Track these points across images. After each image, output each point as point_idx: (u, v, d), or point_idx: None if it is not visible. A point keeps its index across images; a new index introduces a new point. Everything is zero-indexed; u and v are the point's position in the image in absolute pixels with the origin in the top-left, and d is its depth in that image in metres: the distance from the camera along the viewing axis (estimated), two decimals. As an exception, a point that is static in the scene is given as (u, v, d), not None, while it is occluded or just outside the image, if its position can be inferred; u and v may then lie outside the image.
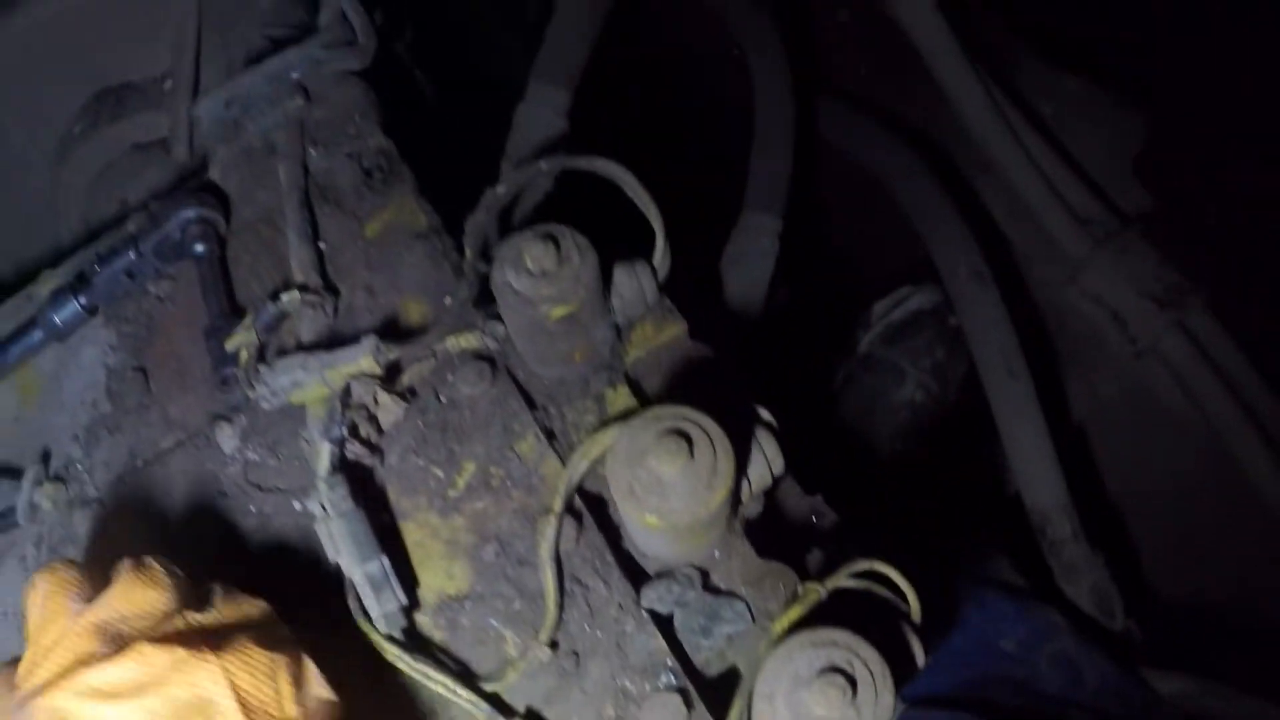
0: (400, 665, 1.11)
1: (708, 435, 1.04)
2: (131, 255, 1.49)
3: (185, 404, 1.42)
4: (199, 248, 1.47)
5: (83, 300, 1.51)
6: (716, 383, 1.23)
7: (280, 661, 0.86)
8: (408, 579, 1.17)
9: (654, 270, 1.24)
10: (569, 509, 1.15)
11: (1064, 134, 2.01)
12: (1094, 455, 2.08)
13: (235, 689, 0.80)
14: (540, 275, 1.14)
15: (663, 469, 1.02)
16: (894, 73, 2.14)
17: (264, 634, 0.89)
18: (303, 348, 1.33)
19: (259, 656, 0.84)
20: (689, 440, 1.02)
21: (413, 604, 1.16)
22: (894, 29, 1.91)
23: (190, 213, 1.48)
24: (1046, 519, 1.78)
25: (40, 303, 1.56)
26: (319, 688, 0.90)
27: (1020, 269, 2.07)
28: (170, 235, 1.49)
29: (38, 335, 1.53)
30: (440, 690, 1.09)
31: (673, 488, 1.02)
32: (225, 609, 0.91)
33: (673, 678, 1.08)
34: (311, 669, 0.90)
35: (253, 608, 0.94)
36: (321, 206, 1.47)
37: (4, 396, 1.55)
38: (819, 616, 1.07)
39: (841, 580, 1.11)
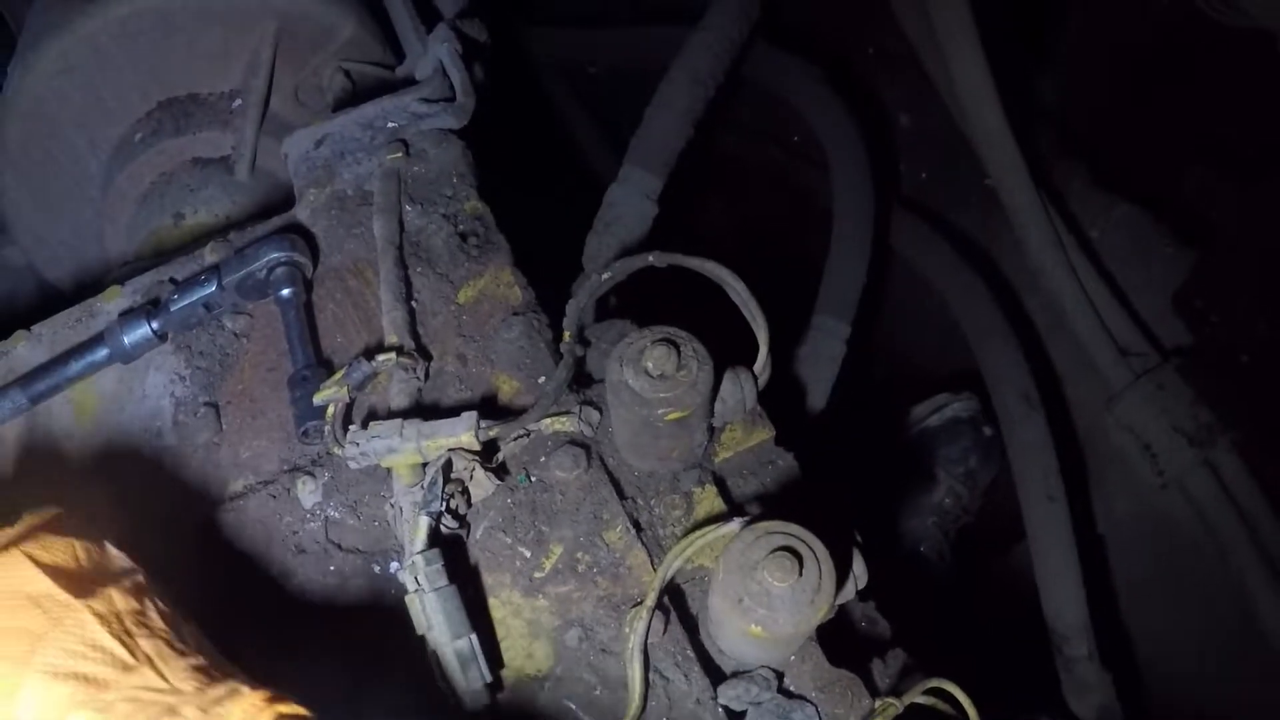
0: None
1: (815, 555, 1.09)
2: (212, 288, 1.48)
3: (257, 448, 1.41)
4: (285, 291, 1.45)
5: (154, 325, 1.48)
6: (807, 494, 1.28)
7: (77, 541, 1.06)
8: (493, 657, 1.19)
9: (756, 379, 1.28)
10: (658, 604, 1.19)
11: (1109, 259, 2.08)
12: (1111, 570, 2.16)
13: (39, 564, 1.01)
14: (659, 378, 1.17)
15: (773, 584, 1.07)
16: (949, 179, 2.23)
17: (63, 526, 1.09)
18: (393, 412, 1.34)
19: (55, 539, 1.05)
20: (799, 558, 1.08)
21: (497, 682, 1.18)
22: (951, 136, 1.99)
23: (279, 254, 1.45)
24: (1065, 638, 1.86)
25: (107, 319, 1.54)
26: (119, 560, 1.08)
27: (1057, 383, 2.15)
28: (255, 273, 1.48)
29: (103, 353, 1.50)
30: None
31: (780, 602, 1.07)
32: (28, 519, 1.09)
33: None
34: (110, 549, 1.09)
35: (49, 512, 1.12)
36: (414, 266, 1.47)
37: (59, 411, 1.52)
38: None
39: (915, 696, 1.17)
